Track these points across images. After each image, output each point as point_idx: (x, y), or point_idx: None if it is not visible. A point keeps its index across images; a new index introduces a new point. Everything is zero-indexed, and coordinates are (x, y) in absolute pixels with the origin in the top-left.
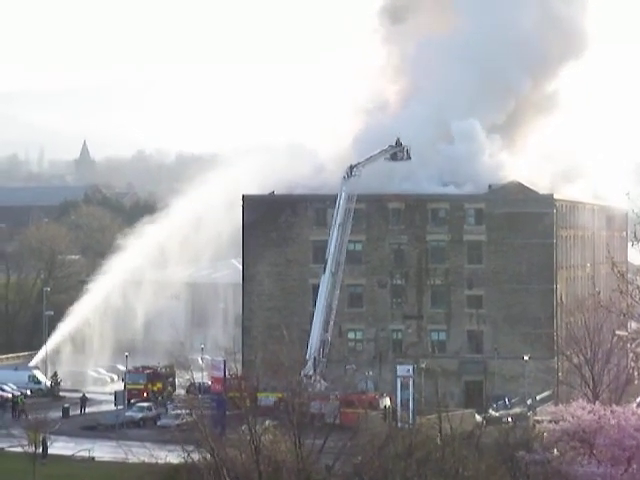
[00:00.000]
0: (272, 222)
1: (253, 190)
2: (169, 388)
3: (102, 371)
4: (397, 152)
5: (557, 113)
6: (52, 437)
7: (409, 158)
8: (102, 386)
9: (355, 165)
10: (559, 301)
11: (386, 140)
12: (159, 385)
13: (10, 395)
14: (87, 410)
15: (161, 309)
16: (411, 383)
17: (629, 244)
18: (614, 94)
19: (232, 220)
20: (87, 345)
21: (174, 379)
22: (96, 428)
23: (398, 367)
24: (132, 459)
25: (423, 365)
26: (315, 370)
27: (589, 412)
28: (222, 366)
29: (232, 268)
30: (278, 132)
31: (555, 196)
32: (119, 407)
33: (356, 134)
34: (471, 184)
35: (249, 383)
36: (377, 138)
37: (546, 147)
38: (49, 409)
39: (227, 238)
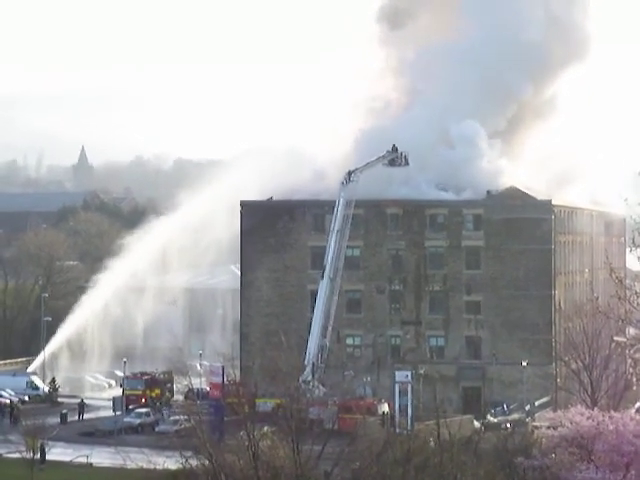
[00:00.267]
0: (270, 228)
1: (251, 196)
2: (167, 394)
3: (100, 377)
4: (395, 158)
5: (556, 117)
6: (50, 443)
7: (407, 164)
8: (100, 392)
9: (353, 171)
10: (557, 307)
11: (387, 144)
12: (157, 391)
13: (8, 401)
14: (85, 416)
15: (159, 315)
16: (409, 389)
17: (627, 250)
18: (613, 96)
19: (230, 226)
20: (85, 351)
21: (172, 385)
22: (94, 434)
23: (396, 373)
24: (130, 465)
25: (421, 371)
26: (313, 376)
27: (587, 418)
28: (220, 372)
29: (230, 274)
30: (277, 136)
31: (553, 202)
32: (117, 413)
33: (356, 138)
34: (470, 190)
35: (247, 389)
36: (377, 142)
37: (544, 151)
38: (47, 415)
39: (225, 244)
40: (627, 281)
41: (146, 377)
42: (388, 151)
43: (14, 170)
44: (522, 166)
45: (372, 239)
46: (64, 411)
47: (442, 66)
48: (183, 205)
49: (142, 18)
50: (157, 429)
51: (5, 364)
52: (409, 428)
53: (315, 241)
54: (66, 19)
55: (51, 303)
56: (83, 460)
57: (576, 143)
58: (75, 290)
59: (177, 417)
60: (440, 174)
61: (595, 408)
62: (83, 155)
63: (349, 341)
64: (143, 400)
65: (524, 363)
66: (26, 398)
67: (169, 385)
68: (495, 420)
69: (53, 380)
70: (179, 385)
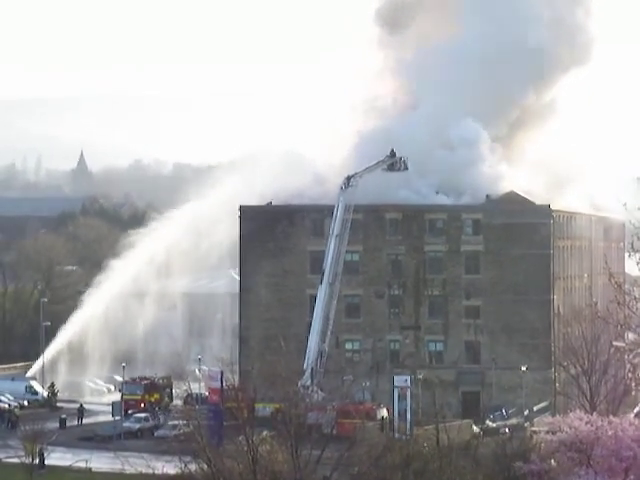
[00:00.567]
0: (269, 233)
1: (251, 200)
2: (166, 399)
3: (99, 382)
4: (394, 163)
5: (555, 120)
6: (49, 448)
7: (406, 168)
8: (99, 397)
9: (352, 176)
10: (556, 312)
11: (387, 148)
12: (156, 396)
13: (6, 406)
14: (84, 421)
15: (158, 320)
16: (408, 394)
17: (626, 255)
18: (613, 99)
19: (229, 231)
20: (84, 356)
21: (171, 390)
22: (93, 439)
23: (395, 378)
24: (129, 470)
25: (420, 376)
26: (312, 381)
27: (586, 423)
28: (219, 377)
29: (229, 278)
30: (276, 139)
31: (552, 207)
32: (116, 418)
33: (356, 142)
34: (469, 194)
35: (246, 394)
36: (377, 146)
37: (544, 155)
38: (46, 420)
39: (225, 249)
40: (626, 286)
41: (145, 382)
42: (387, 156)
43: (13, 174)
44: (521, 170)
45: (371, 244)
46: (63, 416)
47: (442, 68)
48: (182, 210)
49: (142, 18)
50: (156, 434)
51: (4, 369)
52: (408, 433)
53: (314, 246)
54: (66, 19)
55: (50, 308)
56: (82, 465)
57: (575, 146)
58: (74, 295)
59: (176, 422)
60: (440, 178)
61: (594, 413)
62: (82, 160)
63: (348, 346)
64: (142, 405)
65: (523, 368)
66: (25, 403)
67: (168, 390)
68: (494, 425)
69: (52, 385)
70: (178, 390)
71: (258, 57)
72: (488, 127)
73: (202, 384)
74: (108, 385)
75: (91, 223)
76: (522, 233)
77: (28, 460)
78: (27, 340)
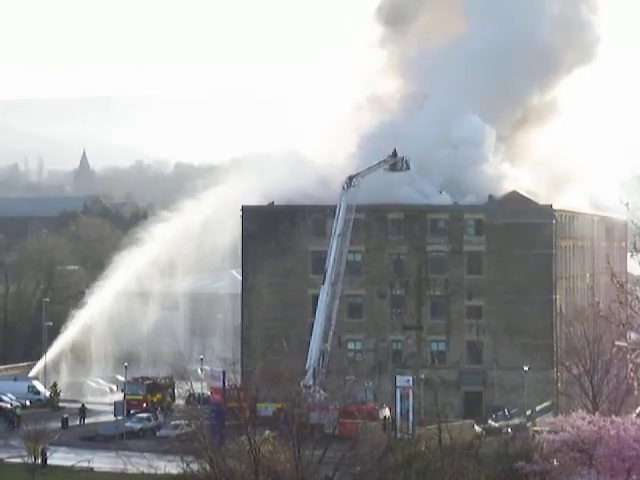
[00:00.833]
0: (271, 233)
1: (253, 201)
2: (168, 399)
3: (101, 382)
4: (396, 162)
5: (557, 119)
6: (52, 448)
7: (408, 168)
8: (102, 397)
9: (354, 176)
10: (558, 311)
11: (391, 146)
12: (158, 396)
13: (8, 406)
14: (86, 421)
15: (161, 320)
16: (410, 394)
17: (628, 255)
18: (615, 98)
19: (232, 231)
20: (87, 356)
21: (173, 390)
22: (95, 439)
23: (397, 377)
24: (131, 470)
25: (422, 376)
26: (314, 380)
27: (589, 423)
28: (221, 376)
29: (232, 279)
30: (277, 139)
31: (554, 206)
32: (118, 418)
33: (360, 141)
34: (472, 194)
35: (248, 393)
36: (381, 145)
37: (546, 154)
38: (48, 420)
39: (227, 249)
40: (628, 286)
41: (147, 382)
42: (389, 156)
43: (15, 175)
44: (524, 170)
45: (373, 244)
46: (65, 416)
47: (446, 67)
48: (184, 210)
49: (142, 18)
50: (158, 434)
51: (6, 369)
52: (410, 433)
53: (316, 246)
54: (66, 19)
55: (52, 308)
56: (84, 465)
57: (578, 146)
58: (76, 295)
59: (178, 422)
60: (443, 177)
61: (596, 413)
62: (84, 160)
63: (350, 346)
64: (144, 405)
65: (525, 368)
66: (27, 403)
67: (170, 390)
68: (496, 425)
69: (54, 385)
70: (180, 390)
71: (258, 57)
72: (492, 126)
73: (204, 384)
74: (110, 385)
75: (93, 223)
76: (524, 233)
77: (30, 460)
78: (29, 340)
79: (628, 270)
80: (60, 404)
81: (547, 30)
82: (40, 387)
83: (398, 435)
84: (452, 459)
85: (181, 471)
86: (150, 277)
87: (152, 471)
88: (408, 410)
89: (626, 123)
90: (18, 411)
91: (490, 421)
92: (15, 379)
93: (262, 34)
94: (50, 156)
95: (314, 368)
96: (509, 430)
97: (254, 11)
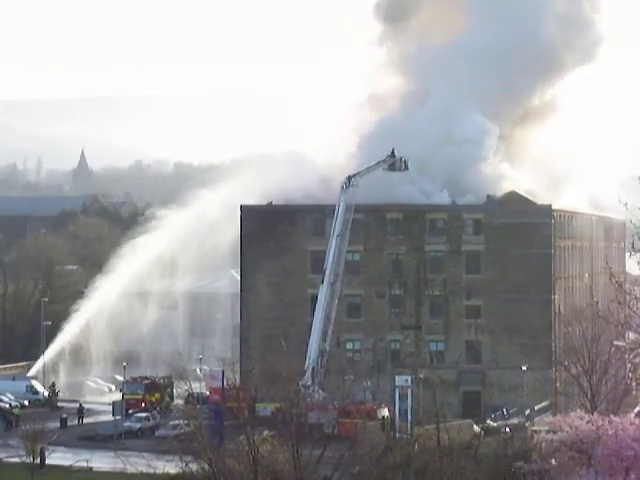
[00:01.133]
0: (270, 232)
1: (252, 200)
2: (167, 398)
3: (100, 381)
4: (395, 162)
5: (557, 118)
6: (50, 447)
7: (407, 168)
8: (100, 396)
9: (353, 175)
10: (557, 311)
11: (391, 145)
12: (157, 395)
13: (7, 405)
14: (85, 420)
15: (160, 319)
16: (409, 393)
17: (627, 254)
18: (614, 98)
19: (230, 230)
20: (85, 355)
21: (172, 389)
22: (94, 438)
23: (396, 377)
24: (130, 469)
25: (421, 375)
26: (313, 380)
27: (587, 422)
28: (220, 376)
29: (231, 278)
30: (278, 140)
31: (553, 206)
32: (117, 417)
33: (360, 140)
34: (471, 194)
35: (247, 393)
36: (382, 144)
37: (545, 154)
38: (47, 419)
39: (226, 248)
40: (627, 286)
41: (146, 381)
42: (388, 156)
43: (14, 174)
44: (523, 169)
45: (372, 244)
46: (64, 415)
47: (447, 65)
48: (183, 209)
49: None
50: (157, 433)
51: (5, 368)
52: (409, 433)
53: (315, 245)
54: (66, 19)
55: (51, 307)
56: (83, 464)
57: (576, 146)
58: (75, 294)
59: (177, 421)
60: (443, 176)
61: (595, 412)
62: (83, 159)
63: (349, 345)
64: (143, 404)
65: (524, 368)
66: (26, 403)
67: (169, 389)
68: (495, 424)
69: (53, 385)
70: (179, 389)
71: (258, 57)
72: (493, 125)
73: (203, 384)
74: (109, 385)
75: (92, 222)
76: (523, 233)
77: (29, 460)
78: (28, 340)
79: (627, 270)
80: (59, 404)
81: (549, 28)
82: (39, 387)
83: (397, 435)
84: (451, 459)
85: (180, 471)
86: (149, 277)
87: (151, 471)
88: (407, 410)
89: (625, 123)
90: (16, 411)
91: (489, 421)
92: (13, 379)
93: (262, 34)
94: (49, 156)
95: (313, 368)
96: (508, 430)
97: (254, 11)
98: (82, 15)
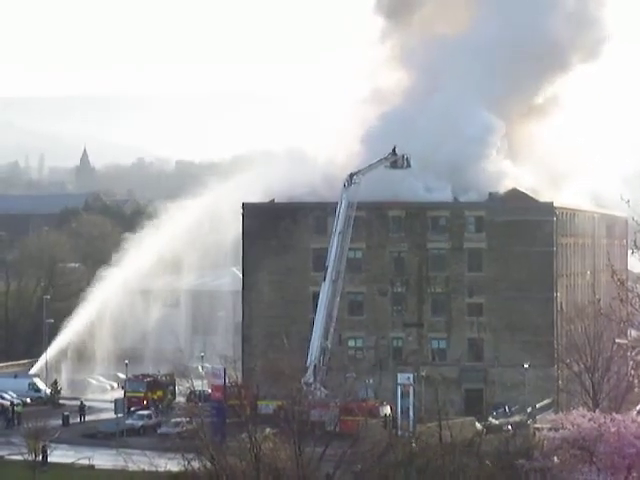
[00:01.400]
0: (272, 230)
1: (255, 198)
2: (169, 396)
3: (102, 379)
4: (397, 160)
5: (559, 115)
6: (52, 445)
7: (409, 166)
8: (102, 394)
9: (355, 173)
10: (559, 309)
11: (394, 142)
12: (159, 393)
13: (8, 403)
14: (87, 418)
15: (162, 317)
16: (411, 391)
17: (629, 252)
18: (617, 95)
19: (232, 228)
20: (87, 353)
21: (174, 387)
22: (96, 436)
23: (398, 375)
24: (132, 467)
25: (423, 373)
26: (315, 378)
27: (589, 420)
28: (222, 374)
29: (233, 276)
30: (279, 138)
31: (555, 204)
32: (119, 415)
33: (362, 137)
34: (474, 191)
35: (249, 391)
36: (384, 141)
37: (547, 151)
38: (49, 417)
39: (228, 246)
40: (629, 283)
41: (148, 379)
42: (390, 153)
43: (16, 172)
44: (525, 166)
45: (374, 241)
46: (66, 413)
47: (451, 60)
48: (185, 207)
49: (142, 18)
50: (159, 431)
51: (7, 366)
52: (411, 430)
53: (317, 243)
54: (66, 19)
55: (53, 305)
56: (85, 462)
57: (579, 143)
58: (77, 292)
59: (179, 419)
60: (446, 172)
61: (597, 410)
62: (85, 157)
63: (351, 343)
64: (145, 402)
65: (526, 365)
66: (28, 400)
67: (171, 387)
68: (497, 422)
69: (55, 382)
70: (181, 387)
71: (258, 57)
72: (499, 121)
73: (205, 381)
74: (111, 382)
75: (94, 220)
76: (525, 230)
77: (31, 457)
78: (30, 337)
79: (629, 267)
80: (61, 401)
81: (554, 24)
82: (41, 384)
83: (399, 432)
84: (453, 456)
85: (182, 469)
86: (151, 274)
87: (153, 469)
88: (409, 407)
89: (628, 120)
90: (19, 408)
91: (491, 418)
92: (16, 376)
93: (262, 34)
94: (51, 153)
95: (315, 365)
96: (510, 427)
97: (254, 11)
98: (82, 15)
